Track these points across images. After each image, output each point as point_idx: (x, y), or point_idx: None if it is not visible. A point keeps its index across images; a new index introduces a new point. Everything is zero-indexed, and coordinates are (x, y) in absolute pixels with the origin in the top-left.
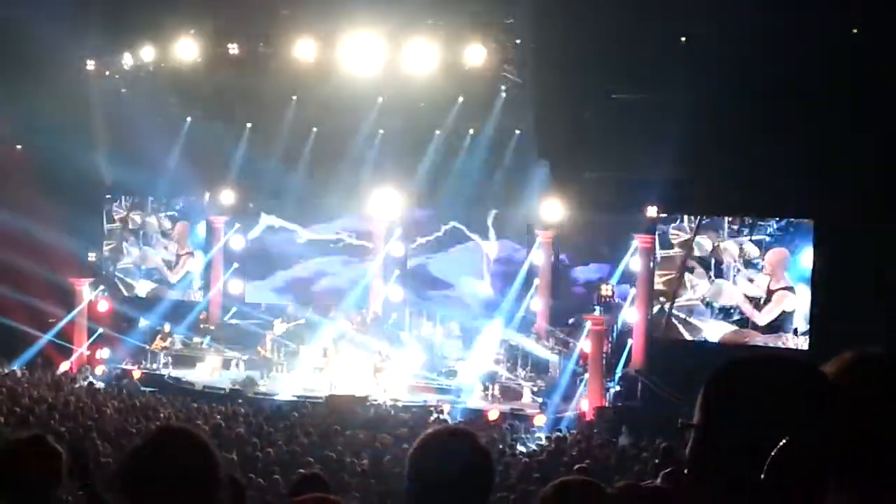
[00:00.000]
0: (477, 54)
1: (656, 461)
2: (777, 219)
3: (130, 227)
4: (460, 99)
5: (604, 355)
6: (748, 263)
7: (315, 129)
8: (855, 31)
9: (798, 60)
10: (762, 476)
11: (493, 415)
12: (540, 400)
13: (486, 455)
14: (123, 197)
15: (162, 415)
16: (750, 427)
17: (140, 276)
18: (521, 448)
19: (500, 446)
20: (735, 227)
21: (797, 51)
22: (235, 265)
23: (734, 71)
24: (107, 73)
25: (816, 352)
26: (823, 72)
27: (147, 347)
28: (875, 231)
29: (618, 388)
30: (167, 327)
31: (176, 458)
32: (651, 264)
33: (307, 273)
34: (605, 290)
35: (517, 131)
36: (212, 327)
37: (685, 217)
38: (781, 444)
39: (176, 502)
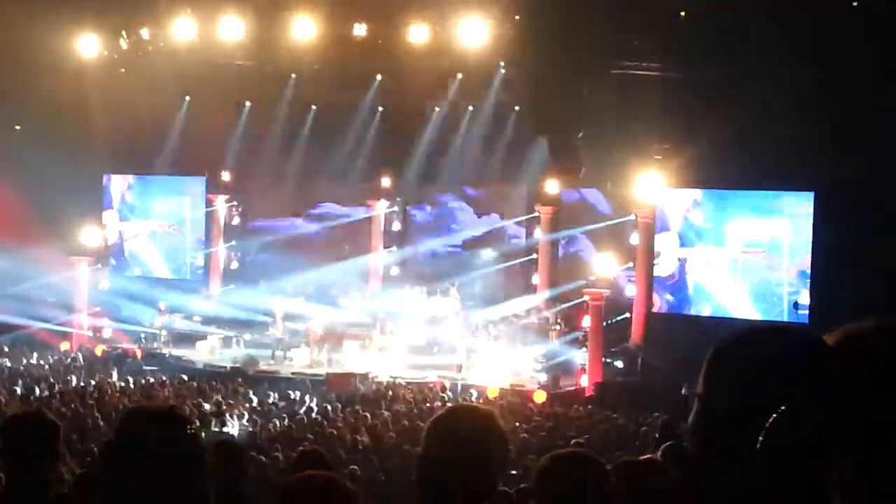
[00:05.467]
0: (475, 31)
1: (656, 435)
2: (777, 191)
3: (129, 206)
4: (459, 76)
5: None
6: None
7: (314, 108)
8: (855, 3)
9: (797, 32)
10: (758, 446)
11: (492, 392)
12: (544, 377)
13: (504, 435)
14: (122, 176)
15: (160, 395)
16: (752, 397)
17: (139, 254)
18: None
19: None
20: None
21: (796, 22)
22: (233, 242)
23: (733, 44)
24: (105, 52)
25: (816, 324)
26: (823, 44)
27: (147, 326)
28: (876, 203)
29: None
30: (166, 305)
31: (154, 438)
32: (651, 239)
33: (308, 250)
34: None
35: (516, 107)
36: (212, 305)
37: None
38: (777, 414)
39: (159, 480)
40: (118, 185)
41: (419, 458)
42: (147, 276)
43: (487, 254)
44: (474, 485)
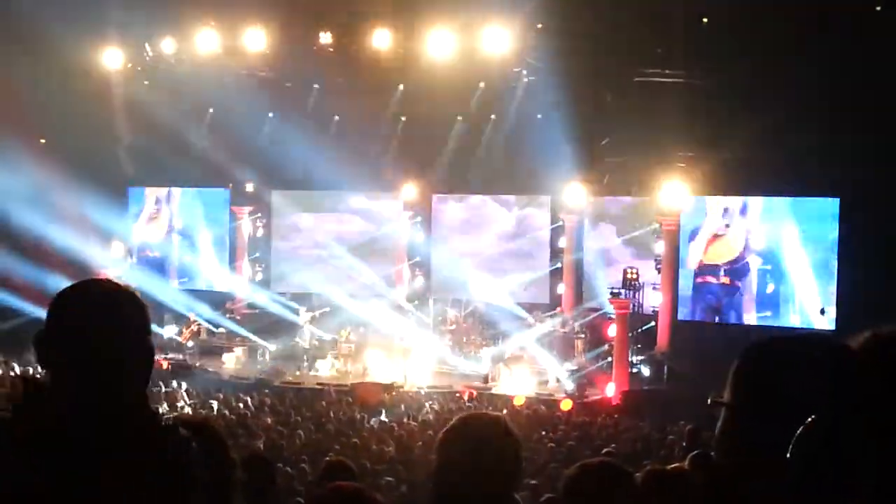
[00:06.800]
0: (498, 39)
1: (683, 444)
2: (802, 196)
3: (154, 217)
4: (482, 84)
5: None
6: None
7: (337, 118)
8: (879, 7)
9: (820, 38)
10: (788, 454)
11: (518, 400)
12: (571, 385)
13: (516, 441)
14: (146, 188)
15: (185, 408)
16: (779, 405)
17: (164, 265)
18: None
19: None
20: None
21: (819, 28)
22: (257, 254)
23: (756, 50)
24: (129, 65)
25: (842, 330)
26: (847, 49)
27: (175, 337)
28: None
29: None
30: (193, 316)
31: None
32: (676, 246)
33: (332, 261)
34: (630, 272)
35: (539, 116)
36: (238, 316)
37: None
38: (807, 421)
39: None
40: (142, 195)
41: (434, 468)
42: (173, 287)
43: (514, 271)
44: (488, 493)
